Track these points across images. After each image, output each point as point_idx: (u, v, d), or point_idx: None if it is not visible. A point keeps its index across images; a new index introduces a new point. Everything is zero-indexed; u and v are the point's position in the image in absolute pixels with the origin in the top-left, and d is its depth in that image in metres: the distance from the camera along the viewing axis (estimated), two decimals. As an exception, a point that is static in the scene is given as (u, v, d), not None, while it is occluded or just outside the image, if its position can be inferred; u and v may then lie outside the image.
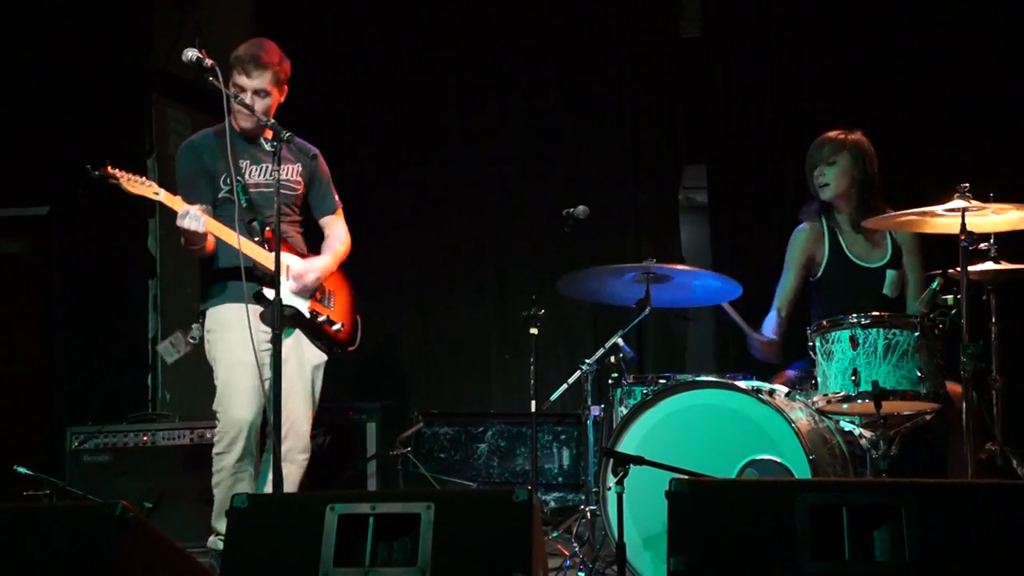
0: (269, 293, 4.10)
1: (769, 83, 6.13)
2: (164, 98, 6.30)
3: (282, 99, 4.34)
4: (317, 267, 4.35)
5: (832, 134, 4.71)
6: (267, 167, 4.29)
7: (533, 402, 4.64)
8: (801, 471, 3.84)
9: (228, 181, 4.29)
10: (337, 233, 4.52)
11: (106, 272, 6.16)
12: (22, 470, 4.68)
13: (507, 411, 6.00)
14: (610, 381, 4.49)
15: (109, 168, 4.07)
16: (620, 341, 4.49)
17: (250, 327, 4.05)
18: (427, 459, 5.72)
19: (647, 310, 4.47)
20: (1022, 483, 3.76)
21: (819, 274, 4.74)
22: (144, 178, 4.14)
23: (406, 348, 6.51)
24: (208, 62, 3.93)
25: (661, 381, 4.30)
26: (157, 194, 4.13)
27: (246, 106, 4.17)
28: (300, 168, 4.42)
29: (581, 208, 4.72)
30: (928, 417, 4.02)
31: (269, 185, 4.22)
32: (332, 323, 4.40)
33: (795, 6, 6.12)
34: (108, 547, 2.78)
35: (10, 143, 6.09)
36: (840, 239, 4.72)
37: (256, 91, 4.23)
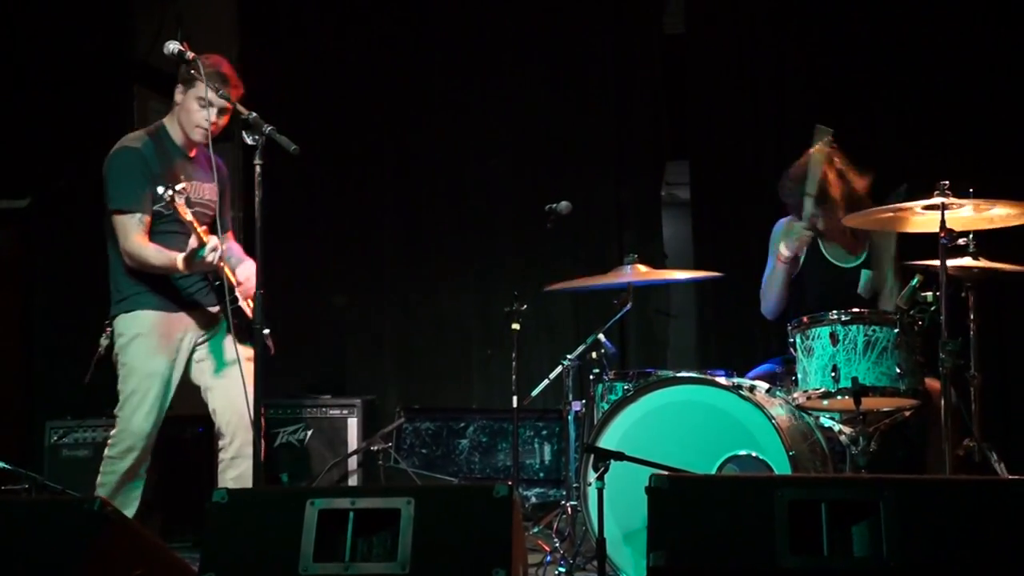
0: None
1: (752, 79, 6.14)
2: (146, 90, 6.27)
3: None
4: (252, 271, 4.13)
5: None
6: (195, 184, 4.23)
7: (515, 398, 4.64)
8: (781, 467, 3.85)
9: (162, 195, 4.04)
10: (236, 246, 4.40)
11: (86, 265, 6.10)
12: (0, 464, 4.65)
13: (488, 407, 6.00)
14: (591, 377, 4.50)
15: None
16: (602, 337, 4.50)
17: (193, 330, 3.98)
18: (408, 454, 5.71)
19: (628, 306, 4.48)
20: (999, 479, 3.78)
21: (796, 272, 4.74)
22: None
23: (388, 343, 6.49)
24: (190, 54, 3.91)
25: (642, 377, 4.31)
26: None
27: (226, 94, 4.06)
28: (215, 187, 4.24)
29: (564, 204, 4.72)
30: (907, 413, 4.05)
31: (198, 203, 4.17)
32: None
33: (778, 2, 6.13)
34: (86, 542, 2.78)
35: (-10, 135, 6.05)
36: (818, 239, 4.71)
37: (222, 109, 4.13)
